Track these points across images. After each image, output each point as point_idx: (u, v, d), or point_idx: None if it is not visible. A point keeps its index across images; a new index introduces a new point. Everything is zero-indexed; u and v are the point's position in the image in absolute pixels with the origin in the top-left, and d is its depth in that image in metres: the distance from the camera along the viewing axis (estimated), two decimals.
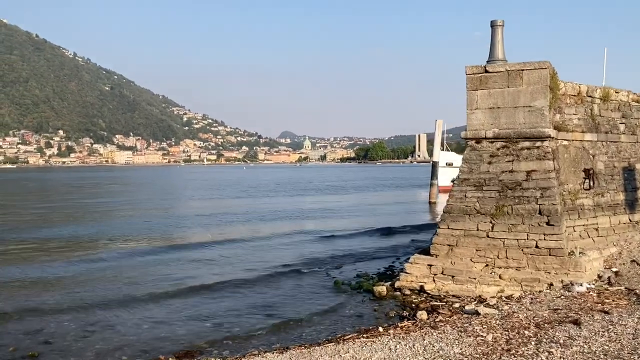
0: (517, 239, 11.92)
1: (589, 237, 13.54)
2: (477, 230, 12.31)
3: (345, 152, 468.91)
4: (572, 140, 13.44)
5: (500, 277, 11.88)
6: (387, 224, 26.19)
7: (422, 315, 10.35)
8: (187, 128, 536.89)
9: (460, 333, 8.79)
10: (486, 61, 12.91)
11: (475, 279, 11.99)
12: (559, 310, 9.81)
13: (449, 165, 50.34)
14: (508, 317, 9.56)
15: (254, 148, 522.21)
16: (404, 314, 10.78)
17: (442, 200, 41.45)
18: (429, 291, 12.24)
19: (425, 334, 8.95)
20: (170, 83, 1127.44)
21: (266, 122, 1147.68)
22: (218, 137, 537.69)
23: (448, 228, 12.60)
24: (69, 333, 10.28)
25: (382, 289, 12.59)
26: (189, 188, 68.27)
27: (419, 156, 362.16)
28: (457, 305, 11.19)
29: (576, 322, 8.85)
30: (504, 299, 11.20)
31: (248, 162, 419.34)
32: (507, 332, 8.66)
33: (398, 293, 12.42)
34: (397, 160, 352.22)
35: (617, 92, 14.63)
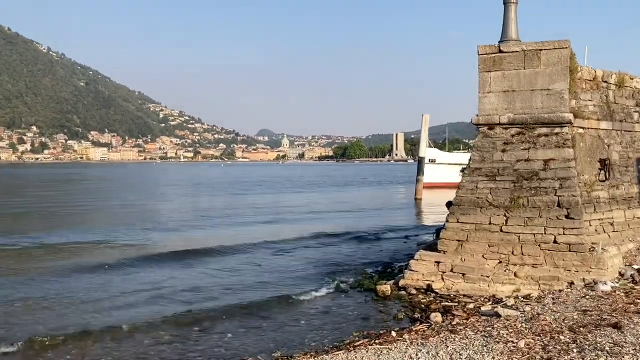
0: (534, 234, 10.93)
1: (605, 232, 12.63)
2: (490, 224, 11.29)
3: (323, 151, 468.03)
4: (588, 128, 12.51)
5: (515, 275, 10.88)
6: (375, 221, 25.20)
7: (437, 317, 9.29)
8: (163, 125, 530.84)
9: (485, 338, 7.75)
10: (498, 41, 11.90)
11: (488, 277, 10.98)
12: (588, 312, 8.83)
13: (432, 161, 49.67)
14: (534, 320, 8.55)
15: (232, 146, 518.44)
16: (416, 316, 9.72)
17: (426, 197, 40.89)
18: (437, 290, 11.19)
19: (446, 339, 7.90)
20: (146, 79, 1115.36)
21: (244, 120, 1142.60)
22: (195, 134, 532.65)
23: (457, 222, 11.57)
24: None
25: (385, 288, 11.52)
26: (181, 186, 65.81)
27: (396, 155, 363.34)
28: (471, 305, 10.16)
29: (616, 326, 7.87)
30: (522, 298, 10.21)
31: (225, 159, 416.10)
32: (539, 338, 7.64)
33: (403, 292, 11.36)
34: (375, 159, 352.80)
35: (632, 79, 13.76)
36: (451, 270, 11.31)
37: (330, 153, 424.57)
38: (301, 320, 9.91)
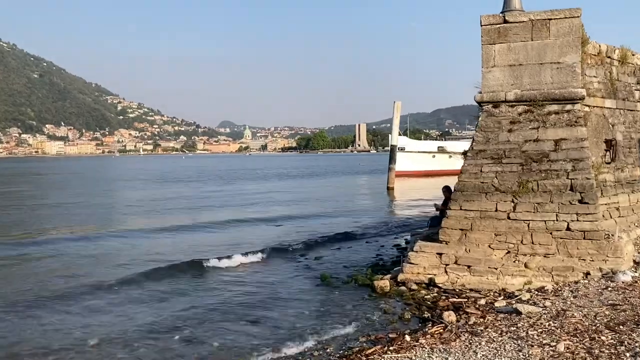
0: (545, 221, 10.00)
1: (611, 217, 11.79)
2: (496, 211, 10.31)
3: (286, 142, 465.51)
4: (593, 106, 11.63)
5: (526, 266, 9.94)
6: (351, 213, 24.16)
7: (450, 316, 8.26)
8: (121, 117, 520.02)
9: (515, 341, 6.75)
10: (500, 12, 10.89)
11: (496, 269, 10.01)
12: (619, 307, 7.91)
13: (401, 150, 48.82)
14: (562, 317, 7.60)
15: (193, 138, 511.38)
16: (425, 316, 8.66)
17: (397, 186, 40.03)
18: (440, 285, 10.18)
19: (470, 343, 6.87)
20: (103, 71, 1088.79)
21: (205, 112, 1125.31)
22: (154, 126, 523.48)
23: (460, 209, 10.55)
24: None
25: (384, 283, 10.44)
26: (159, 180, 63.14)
27: (359, 145, 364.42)
28: (482, 301, 9.17)
29: None
30: (536, 292, 9.27)
31: (186, 152, 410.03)
32: (577, 339, 6.67)
33: (403, 288, 10.30)
34: (338, 150, 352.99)
35: (634, 55, 12.96)
36: (455, 263, 10.31)
37: (293, 144, 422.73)
38: (296, 323, 8.73)
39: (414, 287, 10.33)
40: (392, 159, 40.54)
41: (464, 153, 11.01)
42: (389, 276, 10.98)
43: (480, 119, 10.78)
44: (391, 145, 41.52)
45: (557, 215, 9.96)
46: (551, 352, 6.29)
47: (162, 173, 74.19)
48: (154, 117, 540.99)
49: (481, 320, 8.12)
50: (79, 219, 23.30)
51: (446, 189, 13.37)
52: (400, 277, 10.62)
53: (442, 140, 59.24)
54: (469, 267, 10.19)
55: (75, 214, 25.44)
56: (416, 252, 10.69)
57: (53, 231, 19.75)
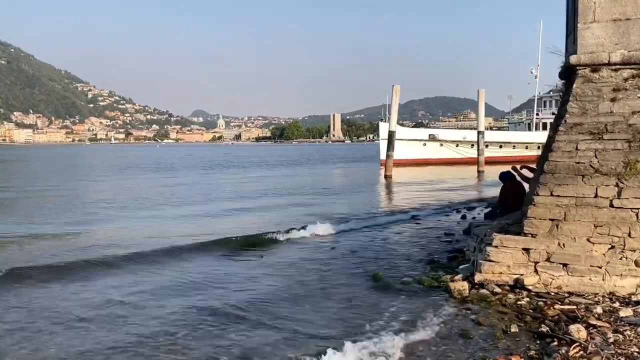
0: None
1: None
2: (596, 197, 8.46)
3: (260, 132, 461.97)
4: None
5: (636, 265, 8.13)
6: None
7: (580, 332, 6.39)
8: (92, 105, 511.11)
9: None
10: None
11: (600, 267, 8.18)
12: None
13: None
14: None
15: (165, 127, 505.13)
16: (543, 330, 6.78)
17: (395, 174, 38.25)
18: (530, 287, 8.31)
19: None
20: (73, 57, 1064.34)
21: (177, 100, 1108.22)
22: (126, 115, 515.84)
23: (551, 195, 8.67)
24: None
25: (462, 286, 8.53)
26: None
27: (333, 135, 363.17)
28: (598, 310, 7.34)
29: None
30: None
31: (159, 140, 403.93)
32: None
33: (485, 291, 8.42)
34: (313, 140, 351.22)
35: None
36: (547, 260, 8.44)
37: (268, 134, 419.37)
38: (373, 337, 6.74)
39: (497, 289, 8.46)
40: (390, 146, 38.70)
41: (555, 128, 9.13)
42: (460, 276, 9.09)
43: (575, 85, 8.90)
44: (389, 131, 39.68)
45: None
46: None
47: (151, 161, 70.55)
48: (126, 105, 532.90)
49: (620, 336, 6.31)
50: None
51: (505, 176, 11.58)
52: (478, 277, 8.73)
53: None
54: (565, 265, 8.33)
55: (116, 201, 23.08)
56: (496, 247, 8.78)
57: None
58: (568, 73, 9.52)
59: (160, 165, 59.65)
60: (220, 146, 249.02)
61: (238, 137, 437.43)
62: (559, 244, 8.49)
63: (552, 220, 8.63)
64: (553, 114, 58.58)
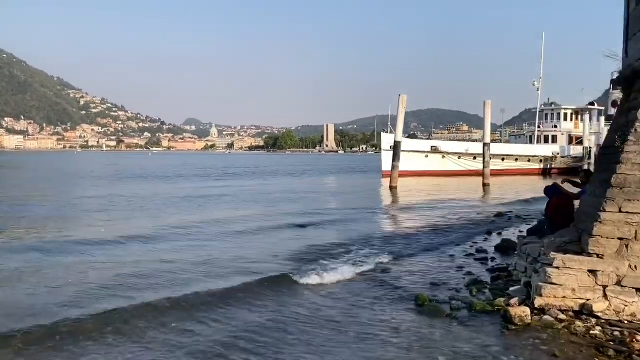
0: None
1: None
2: None
3: (253, 141, 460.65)
4: None
5: None
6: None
7: None
8: (84, 112, 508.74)
9: None
10: None
11: None
12: None
13: (392, 148, 45.98)
14: None
15: (157, 135, 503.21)
16: None
17: (406, 184, 37.33)
18: (599, 314, 7.47)
19: None
20: (66, 64, 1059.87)
21: (170, 108, 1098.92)
22: (118, 122, 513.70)
23: (620, 211, 7.85)
24: None
25: (523, 311, 7.65)
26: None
27: (327, 146, 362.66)
28: None
29: None
30: None
31: (151, 148, 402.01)
32: None
33: (548, 317, 7.56)
34: (306, 150, 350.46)
35: None
36: (618, 284, 7.61)
37: (261, 143, 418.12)
38: None
39: (562, 316, 7.60)
40: (396, 157, 37.90)
41: (618, 138, 8.30)
42: (515, 300, 8.21)
43: None
44: (395, 141, 38.91)
45: None
46: None
47: (152, 170, 68.66)
48: (118, 112, 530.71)
49: None
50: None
51: (551, 190, 10.74)
52: (539, 301, 7.86)
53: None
54: (638, 290, 7.51)
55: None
56: (558, 268, 7.93)
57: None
58: (631, 79, 8.71)
59: (171, 175, 57.94)
60: (214, 155, 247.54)
61: (231, 146, 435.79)
62: (630, 266, 7.67)
63: (620, 239, 7.81)
64: (555, 126, 58.13)
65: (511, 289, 8.96)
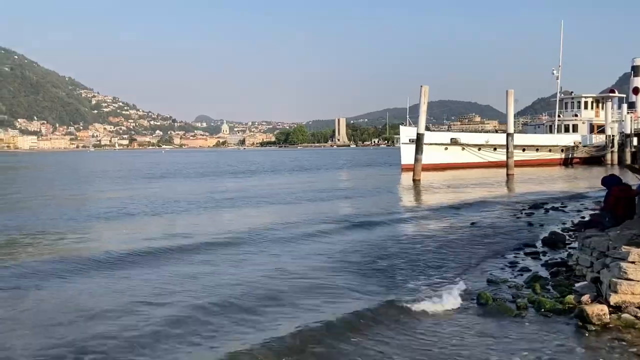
0: None
1: None
2: None
3: (264, 137, 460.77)
4: None
5: None
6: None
7: None
8: (96, 112, 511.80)
9: None
10: None
11: None
12: None
13: (412, 142, 45.38)
14: None
15: (169, 132, 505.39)
16: None
17: (427, 178, 36.63)
18: None
19: None
20: (77, 64, 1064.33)
21: (181, 106, 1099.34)
22: (130, 121, 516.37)
23: None
24: None
25: (601, 310, 7.22)
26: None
27: (338, 140, 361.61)
28: None
29: None
30: None
31: (163, 145, 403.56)
32: None
33: (627, 316, 7.13)
34: (318, 145, 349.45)
35: None
36: None
37: (272, 139, 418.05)
38: None
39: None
40: (419, 149, 37.34)
41: None
42: (587, 297, 7.78)
43: None
44: (418, 134, 38.33)
45: None
46: None
47: (184, 168, 67.72)
48: (129, 111, 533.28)
49: None
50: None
51: (610, 181, 10.27)
52: (615, 299, 7.42)
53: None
54: None
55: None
56: (634, 263, 7.50)
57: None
58: None
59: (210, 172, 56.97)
60: (229, 151, 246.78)
61: (242, 142, 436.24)
62: None
63: None
64: (575, 115, 57.26)
65: (577, 285, 8.53)
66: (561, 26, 57.01)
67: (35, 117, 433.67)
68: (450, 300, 8.24)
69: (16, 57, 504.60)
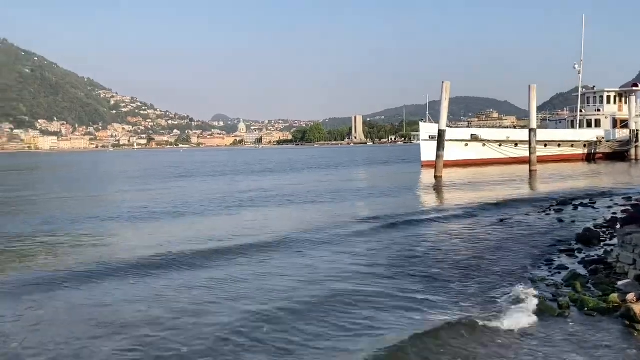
0: None
1: None
2: None
3: (281, 135, 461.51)
4: None
5: None
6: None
7: None
8: (114, 112, 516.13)
9: None
10: None
11: None
12: None
13: (432, 138, 44.94)
14: None
15: (186, 131, 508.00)
16: None
17: (448, 174, 36.20)
18: None
19: None
20: (96, 65, 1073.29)
21: (198, 105, 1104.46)
22: (148, 120, 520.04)
23: None
24: None
25: None
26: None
27: (355, 138, 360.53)
28: None
29: None
30: None
31: (181, 145, 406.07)
32: None
33: None
34: (335, 142, 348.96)
35: None
36: None
37: (289, 137, 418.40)
38: None
39: None
40: (440, 146, 37.01)
41: None
42: (632, 295, 7.59)
43: None
44: (439, 130, 37.95)
45: None
46: None
47: (216, 165, 67.99)
48: (147, 111, 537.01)
49: None
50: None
51: None
52: None
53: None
54: None
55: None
56: None
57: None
58: None
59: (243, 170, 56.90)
60: (245, 149, 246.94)
61: (259, 140, 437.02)
62: None
63: None
64: (597, 110, 56.43)
65: (619, 283, 8.35)
66: (582, 20, 56.12)
67: (55, 118, 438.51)
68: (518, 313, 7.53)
69: (36, 58, 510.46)
